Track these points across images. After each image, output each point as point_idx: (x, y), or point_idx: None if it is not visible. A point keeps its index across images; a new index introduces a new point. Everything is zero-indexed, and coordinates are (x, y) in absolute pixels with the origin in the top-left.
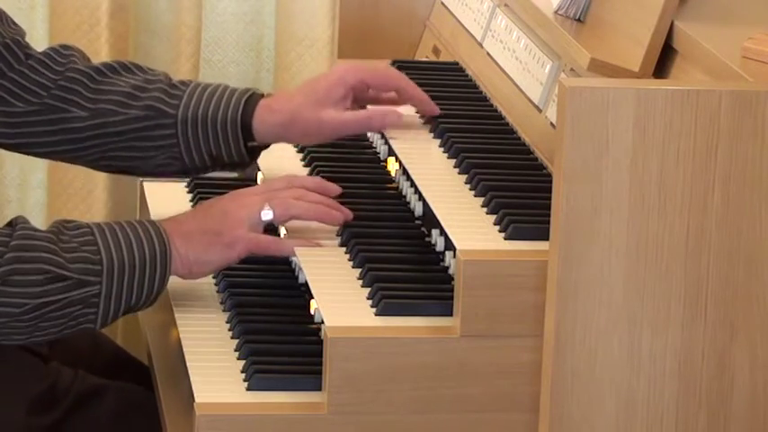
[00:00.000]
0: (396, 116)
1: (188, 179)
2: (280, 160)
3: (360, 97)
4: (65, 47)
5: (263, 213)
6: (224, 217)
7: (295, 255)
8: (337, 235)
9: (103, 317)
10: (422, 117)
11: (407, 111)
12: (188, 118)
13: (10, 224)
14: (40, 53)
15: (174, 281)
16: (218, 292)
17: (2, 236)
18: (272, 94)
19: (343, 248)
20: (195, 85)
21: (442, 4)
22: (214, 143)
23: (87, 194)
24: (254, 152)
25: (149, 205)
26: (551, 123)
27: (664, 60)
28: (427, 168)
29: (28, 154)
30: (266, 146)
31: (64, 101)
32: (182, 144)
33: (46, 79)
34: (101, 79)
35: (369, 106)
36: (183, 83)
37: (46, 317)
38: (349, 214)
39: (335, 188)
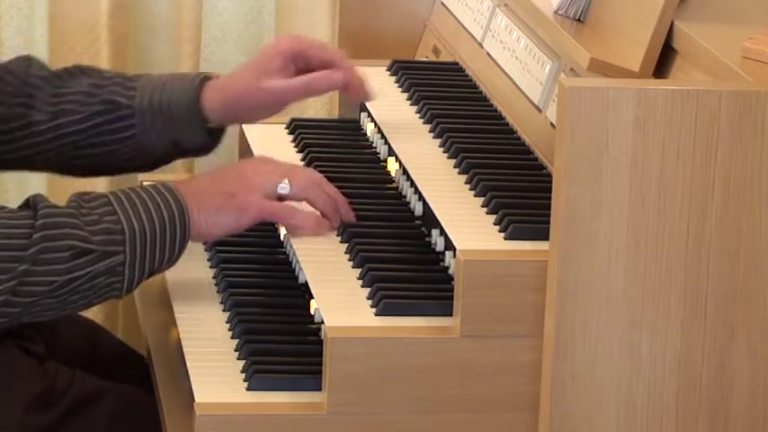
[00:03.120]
0: (338, 76)
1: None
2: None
3: (302, 69)
4: (23, 58)
5: (280, 186)
6: (240, 180)
7: (307, 227)
8: (337, 235)
9: (129, 284)
10: (422, 117)
11: (408, 112)
12: (145, 107)
13: (27, 204)
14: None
15: (175, 282)
16: (218, 292)
17: (26, 218)
18: (219, 75)
19: (343, 248)
20: (150, 75)
21: (442, 4)
22: (174, 129)
23: None
24: (215, 135)
25: None
26: (551, 123)
27: (664, 60)
28: (427, 168)
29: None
30: (221, 128)
31: (25, 106)
32: (141, 134)
33: (8, 88)
34: (60, 83)
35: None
36: (138, 76)
37: (75, 290)
38: (353, 218)
39: (344, 200)
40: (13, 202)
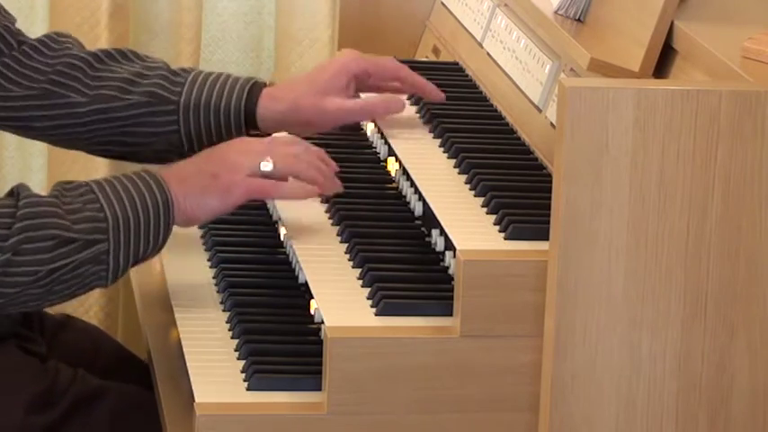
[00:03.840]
0: (398, 103)
1: None
2: None
3: (362, 87)
4: (59, 33)
5: (263, 164)
6: (223, 161)
7: (295, 197)
8: (337, 234)
9: (114, 272)
10: (422, 117)
11: (408, 112)
12: (190, 105)
13: (11, 193)
14: (33, 39)
15: (175, 282)
16: (218, 292)
17: (7, 207)
18: (274, 82)
19: (343, 248)
20: (197, 72)
21: (442, 4)
22: (216, 131)
23: None
24: None
25: None
26: (551, 123)
27: (664, 60)
28: (427, 168)
29: (28, 137)
30: (267, 134)
31: (63, 86)
32: (182, 131)
33: (41, 64)
34: (100, 66)
35: (370, 95)
36: (184, 70)
37: (59, 280)
38: (340, 187)
39: (334, 164)
40: None
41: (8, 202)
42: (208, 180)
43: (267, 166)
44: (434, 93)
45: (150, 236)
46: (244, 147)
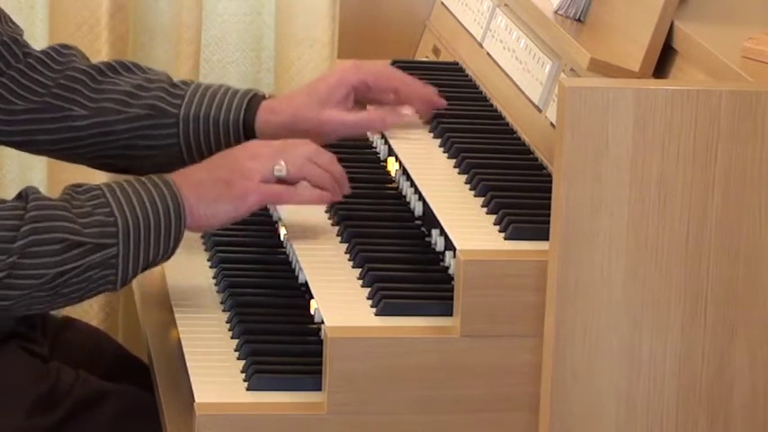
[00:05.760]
0: (396, 117)
1: None
2: None
3: (361, 97)
4: (64, 46)
5: (276, 168)
6: (235, 167)
7: (309, 203)
8: (337, 234)
9: (123, 277)
10: (421, 117)
11: (407, 111)
12: (190, 118)
13: (20, 196)
14: (39, 52)
15: (175, 282)
16: (218, 292)
17: (16, 209)
18: (273, 95)
19: (343, 248)
20: (197, 85)
21: (442, 4)
22: (216, 144)
23: None
24: None
25: None
26: (551, 123)
27: (664, 60)
28: (427, 168)
29: (28, 151)
30: None
31: (65, 100)
32: (182, 144)
33: (45, 78)
34: (101, 79)
35: (369, 107)
36: (184, 83)
37: (67, 283)
38: (348, 189)
39: (342, 171)
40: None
41: (17, 204)
42: (221, 187)
43: (281, 170)
44: (431, 104)
45: (161, 242)
46: (255, 151)
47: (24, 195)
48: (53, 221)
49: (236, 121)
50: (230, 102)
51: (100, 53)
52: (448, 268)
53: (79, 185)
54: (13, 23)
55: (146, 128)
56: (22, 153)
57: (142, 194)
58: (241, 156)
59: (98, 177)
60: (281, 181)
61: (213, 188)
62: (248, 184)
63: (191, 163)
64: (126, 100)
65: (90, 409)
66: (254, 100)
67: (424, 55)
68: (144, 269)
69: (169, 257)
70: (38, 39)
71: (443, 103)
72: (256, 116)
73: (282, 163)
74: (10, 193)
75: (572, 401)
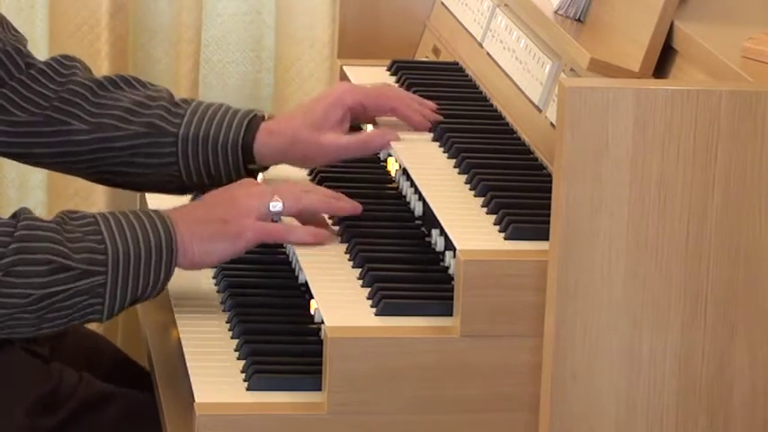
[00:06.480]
0: (393, 136)
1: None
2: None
3: (358, 118)
4: (67, 57)
5: (272, 204)
6: (232, 205)
7: (309, 242)
8: (337, 234)
9: (110, 308)
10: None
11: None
12: (189, 138)
13: (14, 216)
14: (42, 63)
15: (174, 281)
16: (218, 292)
17: (6, 226)
18: (273, 116)
19: (343, 248)
20: (197, 104)
21: (442, 4)
22: (214, 164)
23: (87, 195)
24: (253, 173)
25: (149, 206)
26: (551, 123)
27: (664, 60)
28: (427, 168)
29: (26, 163)
30: (266, 167)
31: (65, 113)
32: (181, 163)
33: (47, 90)
34: (102, 93)
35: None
36: (185, 101)
37: (52, 308)
38: (358, 207)
39: (340, 194)
40: (14, 204)
41: (8, 222)
42: (217, 225)
43: (277, 206)
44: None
45: (150, 275)
46: (250, 189)
47: (17, 215)
48: (41, 242)
49: (235, 142)
50: (230, 123)
51: (100, 53)
52: (448, 268)
53: (73, 212)
54: (17, 32)
55: (145, 146)
56: (20, 168)
57: (136, 226)
58: (237, 194)
59: (97, 185)
60: (278, 216)
61: (209, 226)
62: (245, 222)
63: (189, 181)
64: (126, 117)
65: (94, 411)
66: (254, 121)
67: (424, 55)
68: (132, 303)
69: (158, 293)
70: (38, 39)
71: (440, 118)
72: (255, 139)
73: (278, 198)
74: (10, 194)
75: (572, 401)
